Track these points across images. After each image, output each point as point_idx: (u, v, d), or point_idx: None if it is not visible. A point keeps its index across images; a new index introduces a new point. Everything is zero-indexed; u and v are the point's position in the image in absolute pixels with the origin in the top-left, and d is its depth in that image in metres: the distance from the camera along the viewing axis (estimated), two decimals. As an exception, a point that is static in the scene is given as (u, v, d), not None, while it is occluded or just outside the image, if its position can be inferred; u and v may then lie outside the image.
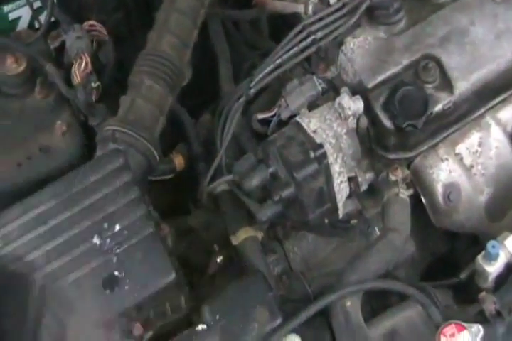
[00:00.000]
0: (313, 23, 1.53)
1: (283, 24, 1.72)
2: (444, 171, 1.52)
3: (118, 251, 1.34)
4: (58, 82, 1.62)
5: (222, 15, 1.90)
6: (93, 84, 1.63)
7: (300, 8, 1.61)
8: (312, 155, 1.45)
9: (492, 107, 1.54)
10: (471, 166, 1.53)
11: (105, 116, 1.60)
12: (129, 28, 2.01)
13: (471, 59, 1.49)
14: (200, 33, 1.73)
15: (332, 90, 1.55)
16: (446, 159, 1.52)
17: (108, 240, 1.35)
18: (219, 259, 1.63)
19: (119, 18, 1.99)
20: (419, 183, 1.53)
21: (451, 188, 1.51)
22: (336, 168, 1.49)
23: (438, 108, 1.46)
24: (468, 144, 1.53)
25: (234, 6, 1.95)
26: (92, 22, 1.70)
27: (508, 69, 1.51)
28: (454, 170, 1.52)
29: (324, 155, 1.46)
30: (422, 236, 1.69)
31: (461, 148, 1.53)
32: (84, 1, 1.91)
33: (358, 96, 1.46)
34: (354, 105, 1.45)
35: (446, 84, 1.47)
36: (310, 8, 1.58)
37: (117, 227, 1.36)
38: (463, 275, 1.51)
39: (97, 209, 1.39)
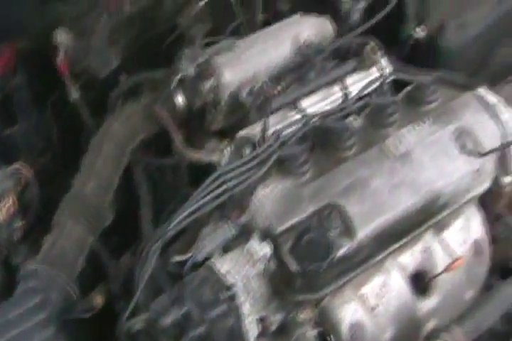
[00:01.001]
0: (227, 172, 1.59)
1: (202, 171, 1.81)
2: (349, 312, 1.57)
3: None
4: (-20, 224, 1.66)
5: (145, 161, 1.97)
6: (17, 224, 1.68)
7: (215, 158, 1.68)
8: (222, 296, 1.49)
9: (392, 252, 1.61)
10: (375, 307, 1.59)
11: (27, 256, 1.65)
12: (55, 170, 2.10)
13: (370, 208, 1.57)
14: (124, 176, 1.81)
15: (244, 235, 1.58)
16: (352, 300, 1.58)
17: (23, 375, 1.35)
18: None
19: (45, 160, 2.09)
20: (326, 322, 1.58)
21: (356, 327, 1.57)
22: (245, 309, 1.52)
23: (340, 253, 1.52)
24: (372, 286, 1.60)
25: (156, 153, 2.00)
26: (18, 164, 1.76)
27: (404, 218, 1.59)
28: (359, 310, 1.58)
29: (234, 297, 1.49)
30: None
31: (365, 289, 1.60)
32: (13, 144, 2.00)
33: (265, 242, 1.52)
34: (262, 251, 1.51)
35: (348, 230, 1.53)
36: (224, 158, 1.66)
37: (33, 362, 1.36)
38: None
39: (15, 344, 1.39)
